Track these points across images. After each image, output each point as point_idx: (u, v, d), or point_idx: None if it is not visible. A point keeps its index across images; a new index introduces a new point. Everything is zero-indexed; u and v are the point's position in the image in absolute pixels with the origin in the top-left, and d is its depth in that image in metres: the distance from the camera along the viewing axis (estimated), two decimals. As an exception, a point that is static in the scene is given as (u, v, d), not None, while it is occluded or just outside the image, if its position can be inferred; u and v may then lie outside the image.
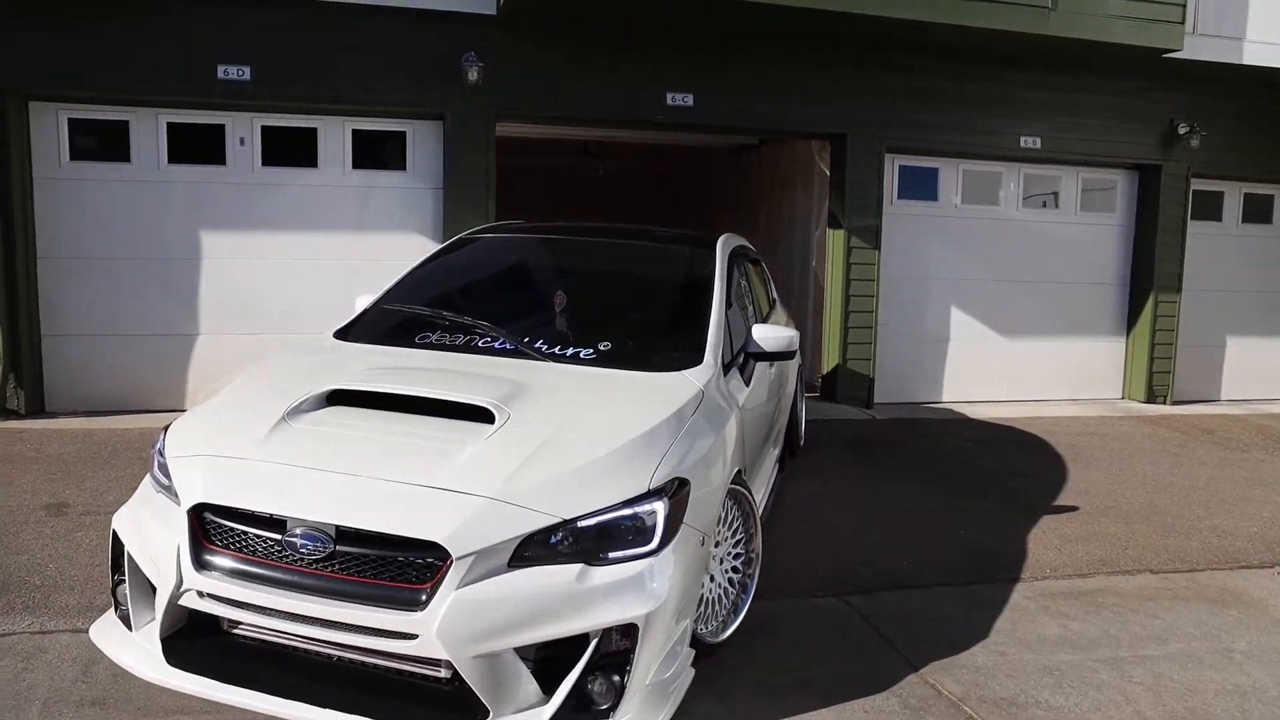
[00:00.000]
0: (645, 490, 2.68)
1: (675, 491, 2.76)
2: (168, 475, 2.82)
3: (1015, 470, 6.22)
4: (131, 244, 6.91)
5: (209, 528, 2.68)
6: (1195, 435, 7.70)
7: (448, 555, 2.46)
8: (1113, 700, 3.11)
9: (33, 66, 6.45)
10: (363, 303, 4.18)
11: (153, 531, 2.76)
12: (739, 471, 3.42)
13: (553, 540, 2.57)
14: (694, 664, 2.90)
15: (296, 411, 2.95)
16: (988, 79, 8.23)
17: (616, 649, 2.57)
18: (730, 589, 3.33)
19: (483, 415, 2.92)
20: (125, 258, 6.91)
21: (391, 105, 7.07)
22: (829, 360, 8.33)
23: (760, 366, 4.22)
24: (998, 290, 8.84)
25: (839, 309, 8.16)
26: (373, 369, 3.34)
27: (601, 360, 3.51)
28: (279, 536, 2.58)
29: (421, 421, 2.92)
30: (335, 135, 7.15)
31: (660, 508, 2.68)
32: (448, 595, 2.45)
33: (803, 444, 6.41)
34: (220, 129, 6.98)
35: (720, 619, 3.25)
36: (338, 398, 3.08)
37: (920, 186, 8.52)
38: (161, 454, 2.93)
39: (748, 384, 3.95)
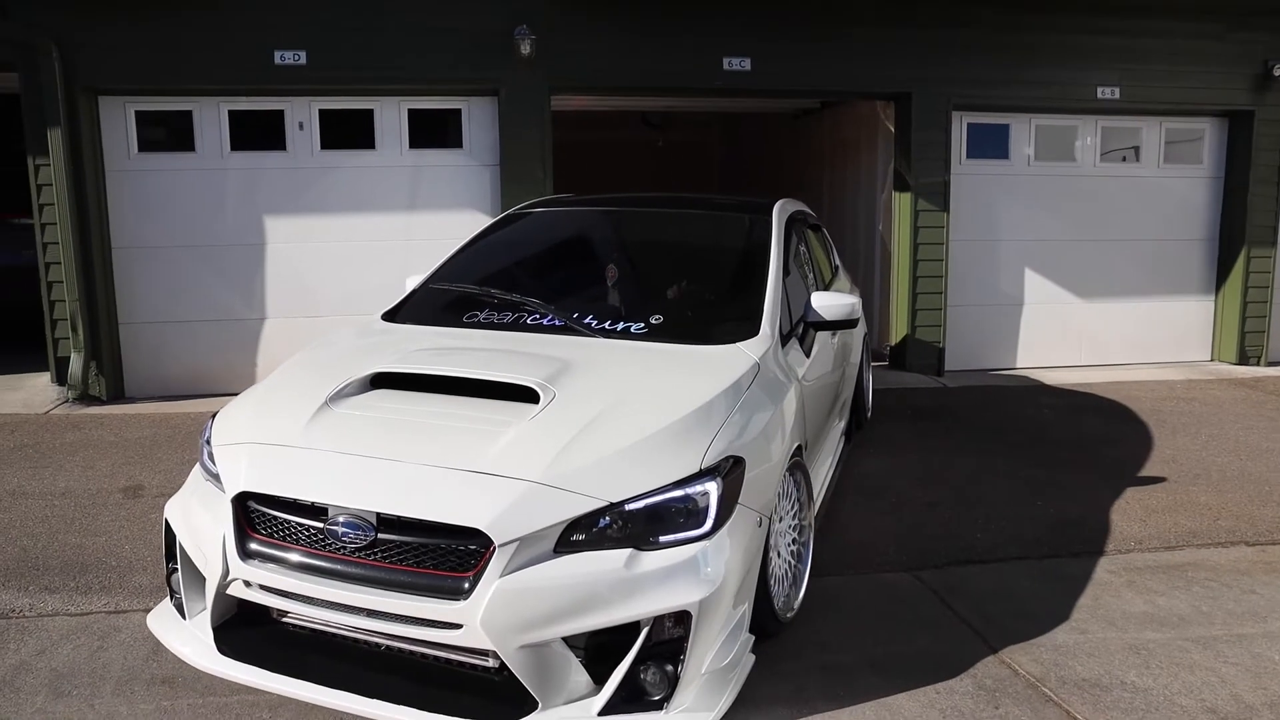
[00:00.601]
0: (697, 470, 2.59)
1: (729, 470, 2.65)
2: (214, 463, 2.82)
3: (1095, 438, 5.95)
4: (198, 231, 7.06)
5: (253, 516, 2.67)
6: (1293, 398, 7.27)
7: (490, 542, 2.40)
8: (1206, 682, 2.93)
9: (101, 62, 6.60)
10: (412, 283, 4.15)
11: (201, 520, 2.76)
12: (799, 447, 3.31)
13: (600, 524, 2.49)
14: (756, 647, 2.81)
15: (339, 396, 2.92)
16: (1060, 28, 7.81)
17: (669, 637, 2.48)
18: (791, 560, 3.27)
19: (528, 395, 2.86)
20: (192, 245, 7.07)
21: (446, 83, 7.04)
22: (897, 328, 8.09)
23: (822, 336, 4.10)
24: (1074, 251, 8.45)
25: (907, 274, 7.90)
26: (418, 350, 3.31)
27: (653, 334, 3.44)
28: (321, 524, 2.54)
29: (465, 403, 2.86)
30: (391, 115, 7.16)
31: (713, 488, 2.58)
32: (491, 583, 2.39)
33: (870, 415, 6.24)
34: (279, 114, 7.05)
35: (785, 594, 3.18)
36: (381, 381, 3.04)
37: (990, 145, 8.17)
38: (209, 442, 2.93)
39: (808, 355, 3.83)
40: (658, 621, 2.46)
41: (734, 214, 4.52)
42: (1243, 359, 8.60)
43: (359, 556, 2.51)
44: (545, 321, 3.57)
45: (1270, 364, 8.63)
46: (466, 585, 2.41)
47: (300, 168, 7.11)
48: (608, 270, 4.11)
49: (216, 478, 2.79)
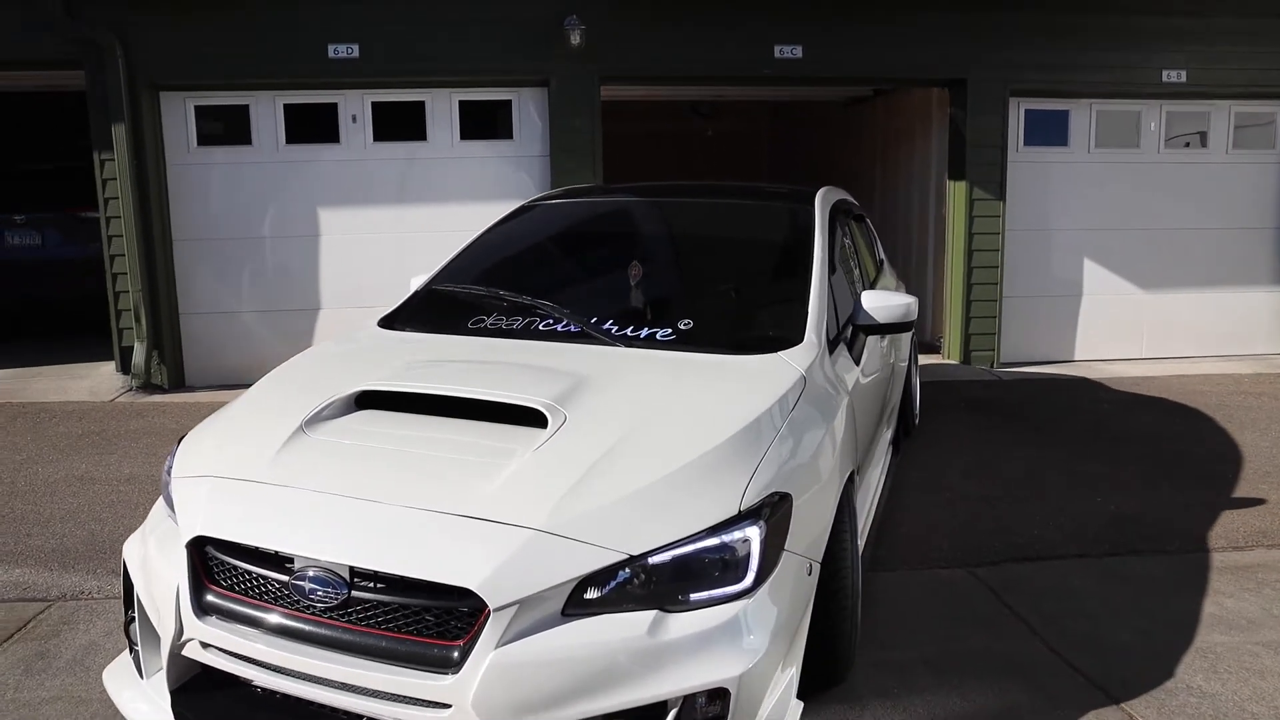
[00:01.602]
0: (736, 512, 2.15)
1: (774, 511, 2.22)
2: (170, 501, 2.43)
3: (1157, 433, 5.78)
4: (255, 223, 7.20)
5: (212, 565, 2.28)
6: (1368, 392, 6.98)
7: (484, 605, 1.99)
8: (1277, 689, 2.83)
9: (162, 59, 6.76)
10: (416, 283, 3.77)
11: (156, 567, 2.36)
12: (851, 474, 2.86)
13: (618, 581, 2.06)
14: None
15: (317, 419, 2.53)
16: (1122, 8, 7.57)
17: (704, 717, 2.07)
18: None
19: (534, 418, 2.45)
20: (250, 236, 7.21)
21: (496, 74, 7.08)
22: (951, 319, 7.94)
23: (871, 340, 3.70)
24: (1136, 240, 8.21)
25: (961, 264, 7.75)
26: (412, 363, 2.91)
27: (681, 342, 3.02)
28: (286, 578, 2.15)
29: (461, 427, 2.47)
30: (442, 107, 7.22)
31: (755, 534, 2.15)
32: (485, 655, 1.98)
33: (918, 421, 5.90)
34: (333, 108, 7.15)
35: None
36: (367, 400, 2.64)
37: (1049, 131, 7.96)
38: (169, 473, 2.53)
39: (858, 363, 3.36)
40: (688, 700, 2.04)
41: (772, 204, 4.07)
42: (1315, 352, 8.29)
43: (329, 617, 2.12)
44: (560, 328, 3.16)
45: (1344, 357, 8.30)
46: (456, 656, 2.02)
47: (353, 160, 7.21)
48: (631, 269, 3.63)
49: (174, 517, 2.40)
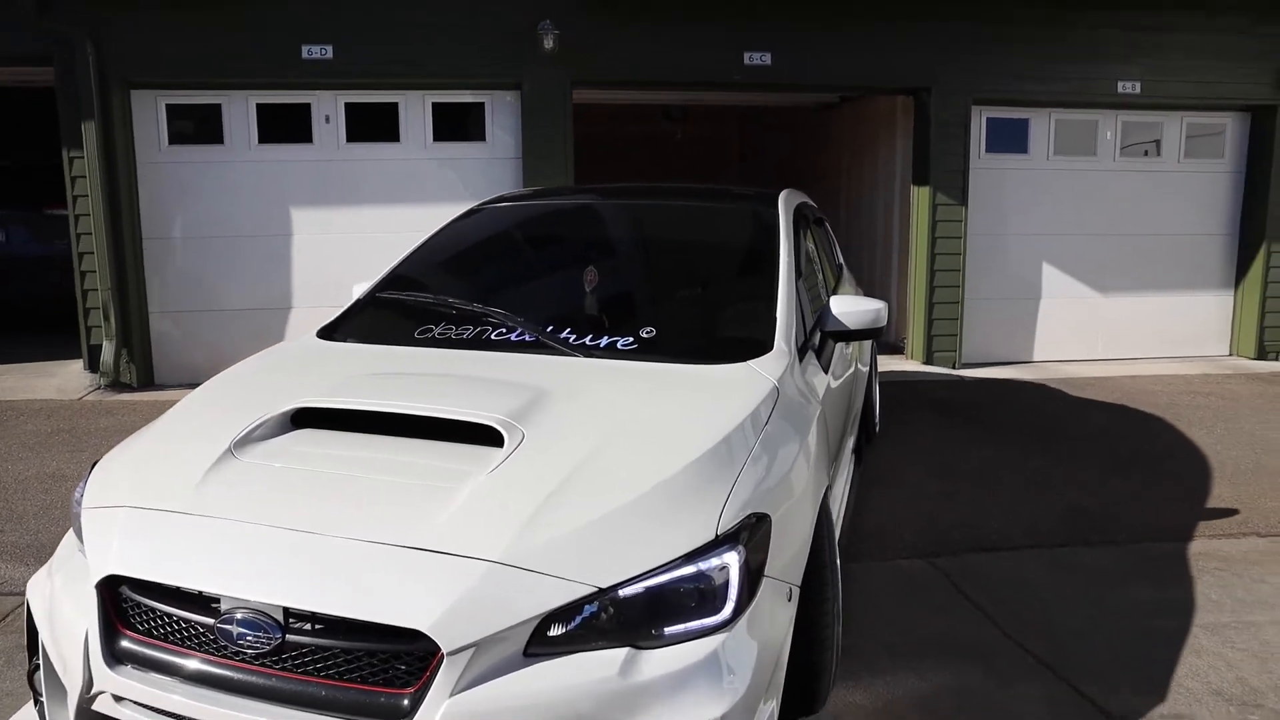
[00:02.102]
0: (712, 537, 1.98)
1: (753, 534, 2.05)
2: (80, 534, 2.18)
3: (1111, 431, 5.99)
4: (227, 222, 7.20)
5: (126, 607, 2.03)
6: (1311, 393, 7.27)
7: (437, 648, 1.80)
8: (1213, 666, 3.00)
9: (133, 56, 6.75)
10: (359, 291, 3.56)
11: (63, 609, 2.11)
12: (827, 489, 2.70)
13: (585, 617, 1.89)
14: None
15: (248, 440, 2.30)
16: (1081, 22, 7.83)
17: None
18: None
19: (490, 436, 2.25)
20: (221, 236, 7.21)
21: (469, 77, 7.15)
22: (915, 321, 8.14)
23: (838, 346, 3.55)
24: (1093, 245, 8.47)
25: (924, 267, 7.95)
26: (354, 377, 2.67)
27: (644, 351, 2.85)
28: (212, 621, 1.92)
29: (408, 448, 2.26)
30: (416, 109, 7.28)
31: (734, 560, 1.97)
32: (439, 704, 1.79)
33: (878, 429, 5.79)
34: (306, 108, 7.18)
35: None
36: (304, 418, 2.41)
37: (1010, 139, 8.20)
38: (79, 502, 2.26)
39: (826, 370, 3.20)
40: None
41: (735, 206, 3.92)
42: (1261, 354, 8.60)
43: (261, 664, 1.91)
44: (514, 337, 2.96)
45: (1290, 359, 8.62)
46: (406, 705, 1.82)
47: (326, 160, 7.25)
48: (586, 274, 3.40)
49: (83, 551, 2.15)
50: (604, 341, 2.90)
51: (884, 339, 8.78)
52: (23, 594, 3.47)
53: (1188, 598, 3.54)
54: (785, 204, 3.73)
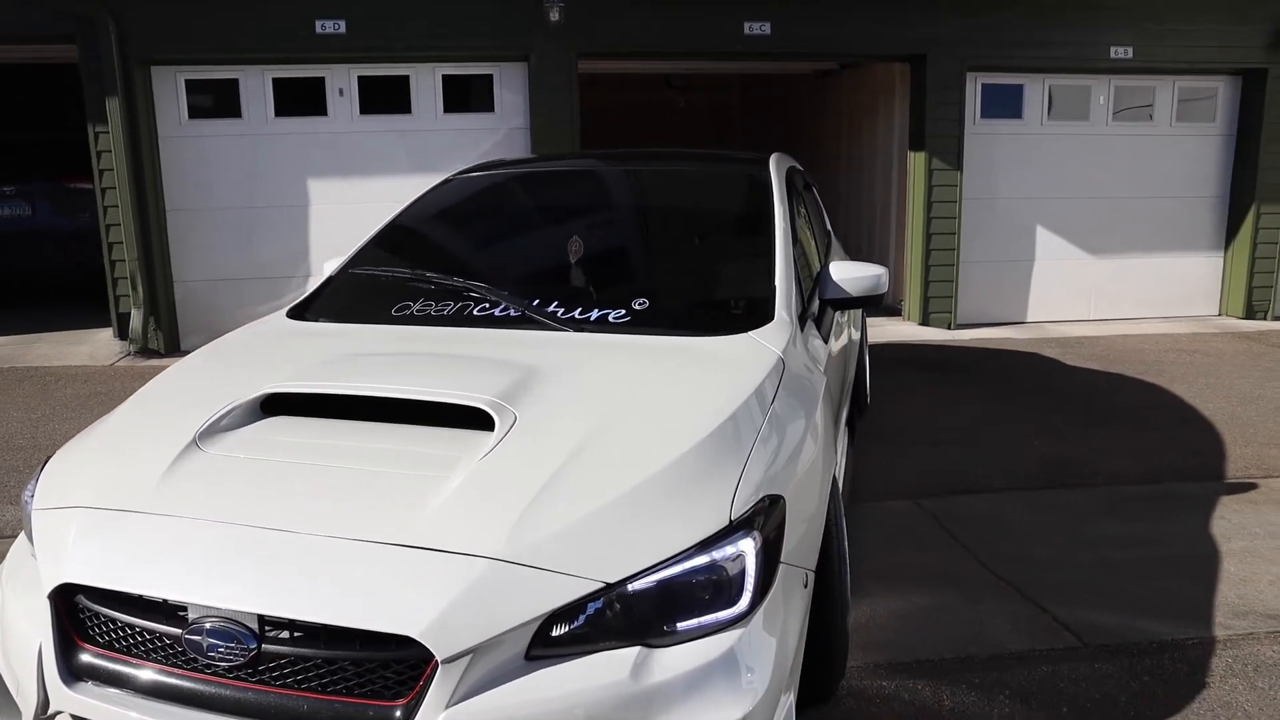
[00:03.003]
0: (726, 523, 1.83)
1: (768, 518, 1.90)
2: (31, 537, 2.02)
3: (1097, 387, 6.28)
4: (246, 193, 7.48)
5: (84, 618, 1.87)
6: (1293, 349, 7.54)
7: (430, 655, 1.65)
8: (1165, 589, 3.32)
9: (154, 34, 6.98)
10: (330, 267, 3.37)
11: (14, 621, 1.95)
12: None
13: (591, 614, 1.74)
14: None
15: (214, 430, 2.13)
16: (1075, -11, 8.00)
17: None
18: None
19: (479, 419, 2.08)
20: (241, 207, 7.49)
21: (478, 49, 7.37)
22: (911, 283, 8.40)
23: (835, 315, 3.44)
24: (1086, 208, 8.70)
25: (920, 231, 8.20)
26: (329, 359, 2.48)
27: (638, 323, 2.68)
28: (179, 632, 1.76)
29: (391, 434, 2.09)
30: (426, 81, 7.51)
31: (749, 547, 1.83)
32: (434, 717, 1.65)
33: (870, 400, 5.70)
34: (320, 81, 7.42)
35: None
36: (275, 405, 2.24)
37: (1004, 105, 8.40)
38: (30, 500, 2.10)
39: (826, 340, 3.07)
40: None
41: (725, 169, 3.77)
42: (1249, 313, 8.84)
43: (235, 678, 1.75)
44: (498, 313, 2.78)
45: (1276, 318, 8.87)
46: (399, 717, 1.68)
47: (340, 132, 7.50)
48: (571, 244, 3.23)
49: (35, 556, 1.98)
50: (594, 315, 2.72)
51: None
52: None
53: (1150, 532, 3.85)
54: (777, 167, 3.59)
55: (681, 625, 1.77)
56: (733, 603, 1.80)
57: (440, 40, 7.25)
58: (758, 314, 2.72)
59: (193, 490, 1.94)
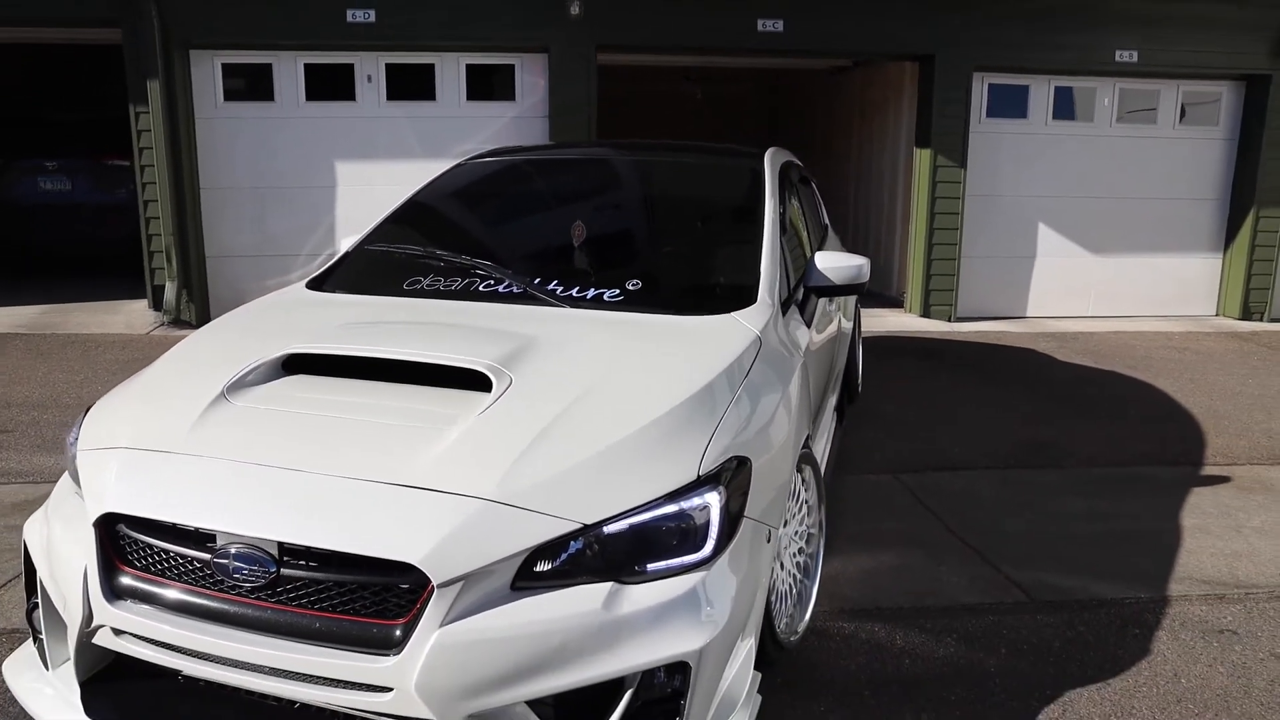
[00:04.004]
0: (694, 478, 2.10)
1: (733, 475, 2.18)
2: (76, 476, 2.30)
3: (1084, 379, 6.55)
4: (276, 174, 7.84)
5: (124, 544, 2.14)
6: (1283, 349, 7.77)
7: (427, 580, 1.89)
8: (1115, 556, 3.61)
9: (192, 18, 7.34)
10: (347, 244, 3.66)
11: (61, 548, 2.22)
12: (807, 437, 2.86)
13: (571, 552, 2.00)
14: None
15: (240, 385, 2.40)
16: (1082, -7, 8.21)
17: (662, 694, 2.02)
18: (796, 574, 2.82)
19: (478, 381, 2.36)
20: (271, 187, 7.85)
21: (500, 40, 7.69)
22: (914, 276, 8.67)
23: (822, 302, 3.67)
24: (1088, 207, 8.93)
25: (924, 226, 8.46)
26: (344, 325, 2.78)
27: (630, 303, 2.96)
28: (208, 556, 2.02)
29: (399, 392, 2.37)
30: (451, 70, 7.83)
31: (715, 500, 2.10)
32: (430, 634, 1.89)
33: (861, 389, 5.87)
34: (350, 68, 7.76)
35: (788, 615, 2.74)
36: (296, 364, 2.52)
37: (1010, 105, 8.63)
38: (74, 443, 2.38)
39: (809, 325, 3.32)
40: (647, 676, 1.99)
41: (721, 161, 4.04)
42: (1246, 315, 9.06)
43: (257, 598, 2.00)
44: (501, 289, 3.06)
45: (1273, 320, 9.08)
46: (398, 635, 1.92)
47: (368, 117, 7.83)
48: (574, 228, 3.52)
49: (80, 493, 2.27)
50: (590, 293, 3.00)
51: (885, 294, 9.34)
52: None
53: (1111, 509, 4.14)
54: (771, 161, 3.82)
55: (651, 566, 2.03)
56: (698, 548, 2.07)
57: (464, 31, 7.57)
58: (742, 297, 2.98)
59: (221, 435, 2.21)
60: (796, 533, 2.79)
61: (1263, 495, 4.36)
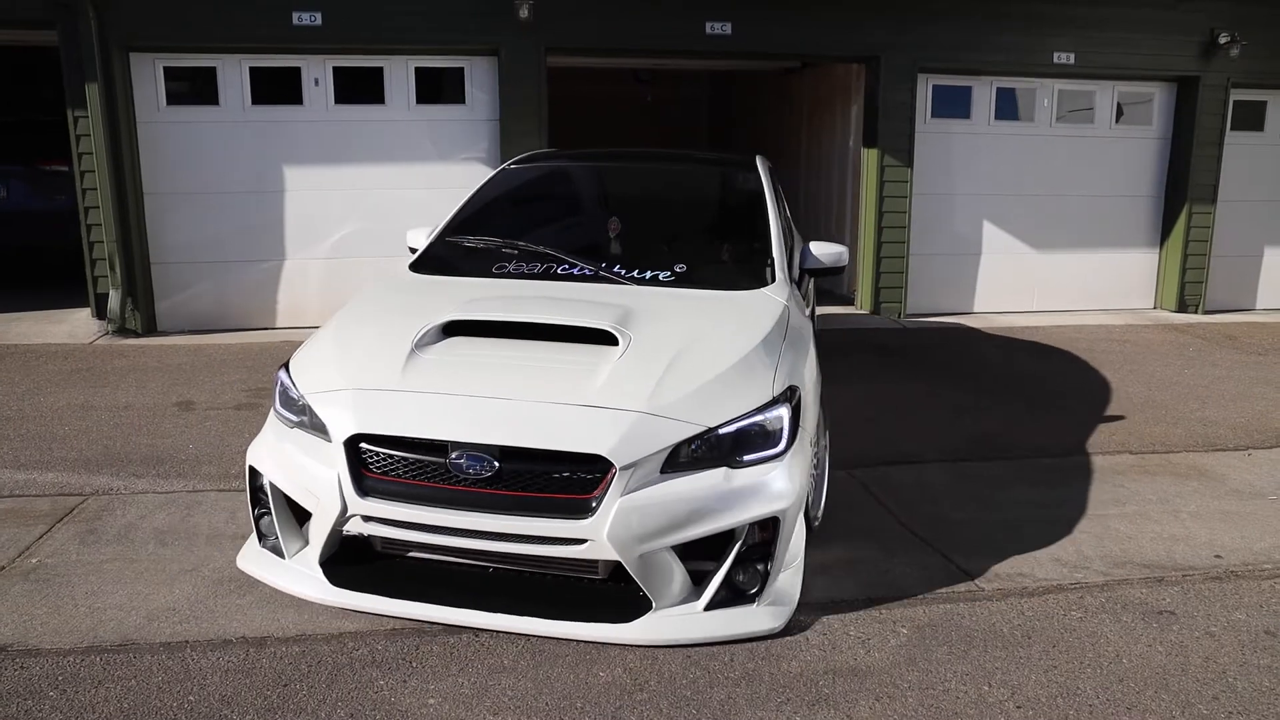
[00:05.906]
0: (771, 398, 2.96)
1: (793, 396, 3.05)
2: (308, 412, 3.02)
3: (1030, 373, 6.72)
4: (223, 179, 7.70)
5: (365, 457, 2.89)
6: (1217, 341, 8.05)
7: (610, 466, 2.73)
8: (1060, 543, 3.73)
9: (132, 20, 7.18)
10: (414, 237, 4.37)
11: (302, 464, 2.98)
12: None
13: (697, 447, 2.85)
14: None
15: (422, 344, 3.11)
16: (1020, -4, 8.43)
17: (759, 540, 2.92)
18: (814, 477, 3.58)
19: (603, 338, 3.13)
20: (218, 192, 7.72)
21: (450, 43, 7.65)
22: (863, 274, 8.81)
23: (810, 282, 4.50)
24: (1030, 205, 9.16)
25: (872, 225, 8.61)
26: (478, 299, 3.47)
27: (680, 282, 3.75)
28: (442, 460, 2.81)
29: (547, 347, 3.11)
30: (399, 73, 7.78)
31: (785, 413, 2.98)
32: (614, 502, 2.74)
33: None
34: (297, 71, 7.66)
35: (812, 503, 3.52)
36: (454, 328, 3.22)
37: (954, 105, 8.82)
38: (295, 391, 3.10)
39: (806, 300, 4.20)
40: (752, 527, 2.87)
41: (723, 167, 5.02)
42: (1182, 307, 9.37)
43: (482, 486, 2.79)
44: (575, 271, 3.78)
45: (1207, 312, 9.40)
46: (594, 504, 2.75)
47: (316, 121, 7.74)
48: (610, 223, 4.39)
49: (309, 425, 3.01)
50: (649, 274, 3.78)
51: (837, 291, 9.48)
52: (80, 494, 4.08)
53: (1054, 498, 4.26)
54: (763, 164, 4.76)
55: (747, 457, 2.92)
56: (776, 445, 2.96)
57: (413, 34, 7.51)
58: (764, 277, 3.85)
59: (430, 377, 2.98)
60: (814, 449, 3.47)
61: (1197, 481, 4.52)
